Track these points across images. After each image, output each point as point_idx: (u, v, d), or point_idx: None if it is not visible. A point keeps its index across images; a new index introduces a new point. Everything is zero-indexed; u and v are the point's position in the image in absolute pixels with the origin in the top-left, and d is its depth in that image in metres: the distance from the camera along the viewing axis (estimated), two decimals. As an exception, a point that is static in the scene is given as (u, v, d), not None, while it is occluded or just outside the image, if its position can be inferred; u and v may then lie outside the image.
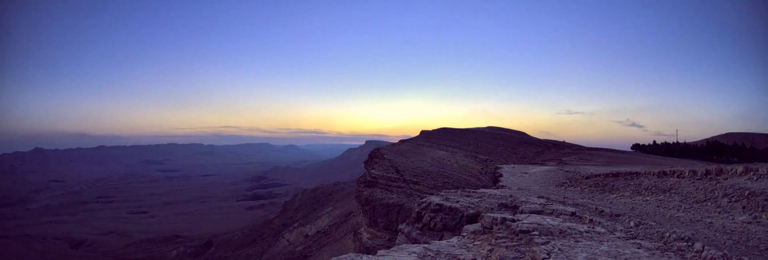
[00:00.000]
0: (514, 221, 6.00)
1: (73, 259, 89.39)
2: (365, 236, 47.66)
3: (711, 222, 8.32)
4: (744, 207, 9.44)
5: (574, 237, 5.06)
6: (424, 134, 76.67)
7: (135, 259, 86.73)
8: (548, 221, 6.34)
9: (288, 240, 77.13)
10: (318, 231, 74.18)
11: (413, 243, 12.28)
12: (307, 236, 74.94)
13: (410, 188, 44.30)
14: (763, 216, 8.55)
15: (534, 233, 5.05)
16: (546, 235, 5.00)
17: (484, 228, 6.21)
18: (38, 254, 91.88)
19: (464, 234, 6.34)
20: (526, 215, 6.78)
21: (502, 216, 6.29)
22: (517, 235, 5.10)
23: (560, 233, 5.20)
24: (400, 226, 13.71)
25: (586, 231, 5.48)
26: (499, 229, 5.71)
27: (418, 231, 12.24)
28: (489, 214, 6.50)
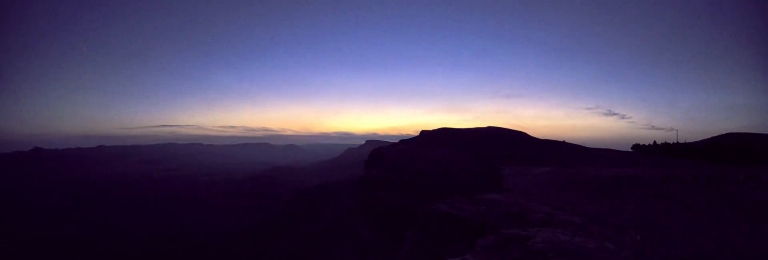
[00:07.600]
0: (527, 238, 6.20)
1: (74, 259, 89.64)
2: (365, 236, 47.93)
3: (714, 235, 8.54)
4: (746, 218, 9.67)
5: (587, 259, 5.27)
6: (425, 134, 76.95)
7: (135, 259, 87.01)
8: (559, 236, 6.54)
9: (288, 240, 77.49)
10: (318, 231, 74.54)
11: (422, 252, 12.50)
12: (307, 236, 75.29)
13: (410, 188, 44.47)
14: (764, 228, 8.77)
15: (549, 255, 5.26)
16: (561, 257, 5.20)
17: (497, 244, 6.42)
18: (38, 254, 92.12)
19: (478, 249, 6.54)
20: (537, 229, 6.99)
21: (515, 232, 6.50)
22: (534, 258, 5.31)
23: (574, 253, 5.40)
24: (408, 233, 13.92)
25: (597, 249, 5.69)
26: (513, 248, 5.92)
27: (425, 240, 12.44)
28: (502, 230, 6.71)
